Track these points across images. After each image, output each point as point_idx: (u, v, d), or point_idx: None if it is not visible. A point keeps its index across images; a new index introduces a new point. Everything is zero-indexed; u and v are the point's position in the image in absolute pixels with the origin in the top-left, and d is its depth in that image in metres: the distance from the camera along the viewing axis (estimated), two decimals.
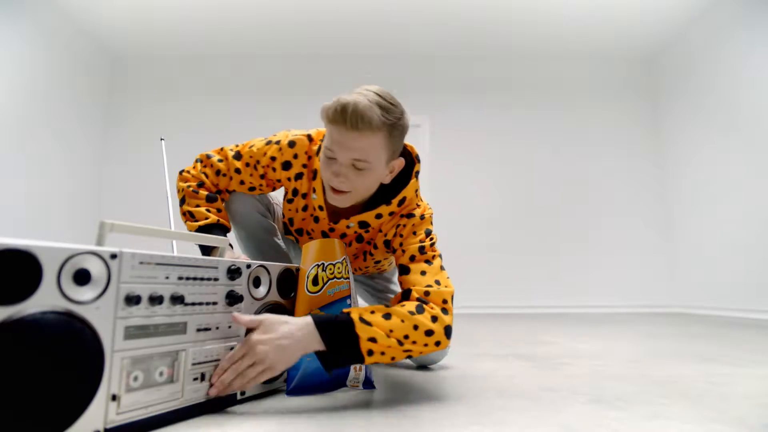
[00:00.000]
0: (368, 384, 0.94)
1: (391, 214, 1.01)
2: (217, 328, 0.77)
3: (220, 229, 1.06)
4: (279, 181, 1.08)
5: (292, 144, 1.03)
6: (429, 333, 0.82)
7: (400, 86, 4.11)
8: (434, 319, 0.84)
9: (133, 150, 4.36)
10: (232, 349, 0.79)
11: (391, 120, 0.88)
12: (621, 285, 4.17)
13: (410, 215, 1.00)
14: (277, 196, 1.27)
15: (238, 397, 0.80)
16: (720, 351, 1.53)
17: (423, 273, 0.92)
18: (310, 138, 1.04)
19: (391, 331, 0.80)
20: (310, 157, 1.03)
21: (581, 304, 4.13)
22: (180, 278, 0.71)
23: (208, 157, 1.10)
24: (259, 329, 0.77)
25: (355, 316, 0.80)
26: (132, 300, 0.63)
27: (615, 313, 3.87)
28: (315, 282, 0.93)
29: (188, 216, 1.06)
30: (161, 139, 1.42)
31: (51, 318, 0.54)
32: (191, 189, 1.07)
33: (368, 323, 0.79)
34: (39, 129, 3.60)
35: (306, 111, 4.42)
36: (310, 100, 4.45)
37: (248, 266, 0.84)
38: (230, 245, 0.95)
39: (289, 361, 0.76)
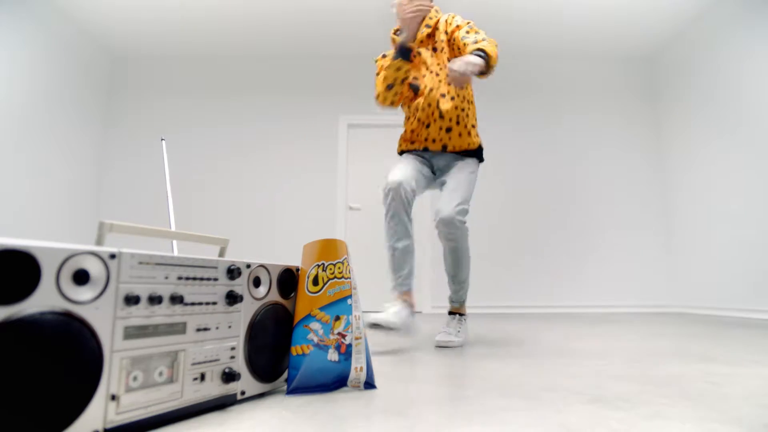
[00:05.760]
0: (369, 384, 0.94)
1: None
2: (217, 328, 0.77)
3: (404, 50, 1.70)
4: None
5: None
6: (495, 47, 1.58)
7: None
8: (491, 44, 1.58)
9: (133, 150, 4.36)
10: (232, 348, 0.79)
11: None
12: (621, 285, 4.17)
13: (446, 14, 1.79)
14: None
15: (238, 397, 0.80)
16: (720, 351, 1.53)
17: (476, 32, 1.63)
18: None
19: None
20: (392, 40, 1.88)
21: (581, 304, 4.13)
22: (179, 278, 0.71)
23: None
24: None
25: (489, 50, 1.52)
26: (131, 300, 0.63)
27: (615, 313, 3.87)
28: (315, 282, 0.93)
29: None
30: (162, 140, 1.42)
31: (50, 318, 0.54)
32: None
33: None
34: (39, 129, 3.60)
35: (306, 111, 4.45)
36: (310, 100, 4.46)
37: (248, 266, 0.84)
38: None
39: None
